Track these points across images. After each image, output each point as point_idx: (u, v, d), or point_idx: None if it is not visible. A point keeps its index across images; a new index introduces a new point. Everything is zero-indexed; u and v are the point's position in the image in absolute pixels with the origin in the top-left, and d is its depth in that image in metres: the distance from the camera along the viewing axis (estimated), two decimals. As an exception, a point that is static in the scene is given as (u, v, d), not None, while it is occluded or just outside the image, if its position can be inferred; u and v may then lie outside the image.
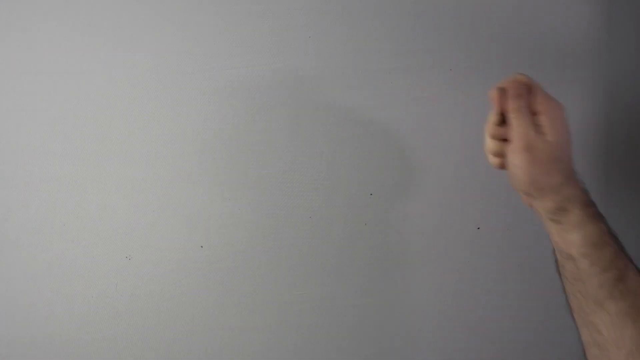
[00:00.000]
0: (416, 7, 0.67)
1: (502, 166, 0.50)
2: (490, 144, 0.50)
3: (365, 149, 0.68)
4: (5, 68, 0.68)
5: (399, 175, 0.69)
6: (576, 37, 0.68)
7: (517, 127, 0.46)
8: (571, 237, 0.45)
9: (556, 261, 0.49)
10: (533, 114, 0.47)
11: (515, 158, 0.46)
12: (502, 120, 0.48)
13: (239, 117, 0.68)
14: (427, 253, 0.71)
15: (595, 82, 0.68)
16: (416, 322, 0.72)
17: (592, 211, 0.46)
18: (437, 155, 0.69)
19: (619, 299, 0.43)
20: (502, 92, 0.48)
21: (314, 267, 0.70)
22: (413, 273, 0.71)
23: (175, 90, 0.68)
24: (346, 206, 0.70)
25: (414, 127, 0.68)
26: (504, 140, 0.48)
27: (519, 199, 0.47)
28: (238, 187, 0.69)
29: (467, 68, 0.67)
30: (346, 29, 0.67)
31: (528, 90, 0.47)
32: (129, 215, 0.69)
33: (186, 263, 0.70)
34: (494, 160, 0.50)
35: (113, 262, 0.70)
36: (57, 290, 0.70)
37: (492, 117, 0.49)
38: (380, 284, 0.71)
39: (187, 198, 0.69)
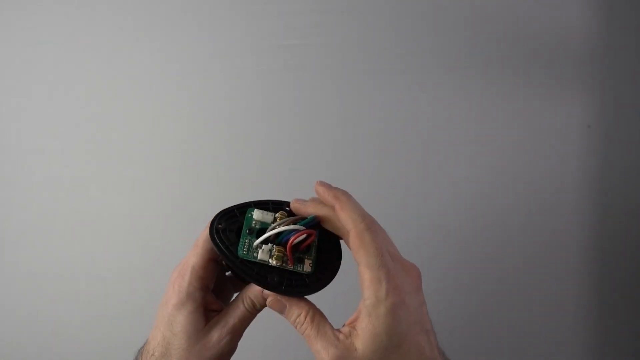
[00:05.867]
0: (416, 7, 0.67)
1: None
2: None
3: (365, 149, 0.69)
4: (6, 68, 0.68)
5: (398, 175, 0.69)
6: (576, 37, 0.68)
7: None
8: None
9: None
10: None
11: None
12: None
13: (240, 117, 0.68)
14: (426, 252, 0.71)
15: (595, 83, 0.68)
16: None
17: None
18: (437, 155, 0.69)
19: None
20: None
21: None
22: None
23: (176, 90, 0.68)
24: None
25: (414, 127, 0.68)
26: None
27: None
28: (239, 186, 0.69)
29: (466, 68, 0.68)
30: (346, 29, 0.67)
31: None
32: (129, 215, 0.69)
33: (186, 263, 0.70)
34: None
35: (113, 262, 0.70)
36: (57, 290, 0.70)
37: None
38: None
39: (187, 198, 0.69)
